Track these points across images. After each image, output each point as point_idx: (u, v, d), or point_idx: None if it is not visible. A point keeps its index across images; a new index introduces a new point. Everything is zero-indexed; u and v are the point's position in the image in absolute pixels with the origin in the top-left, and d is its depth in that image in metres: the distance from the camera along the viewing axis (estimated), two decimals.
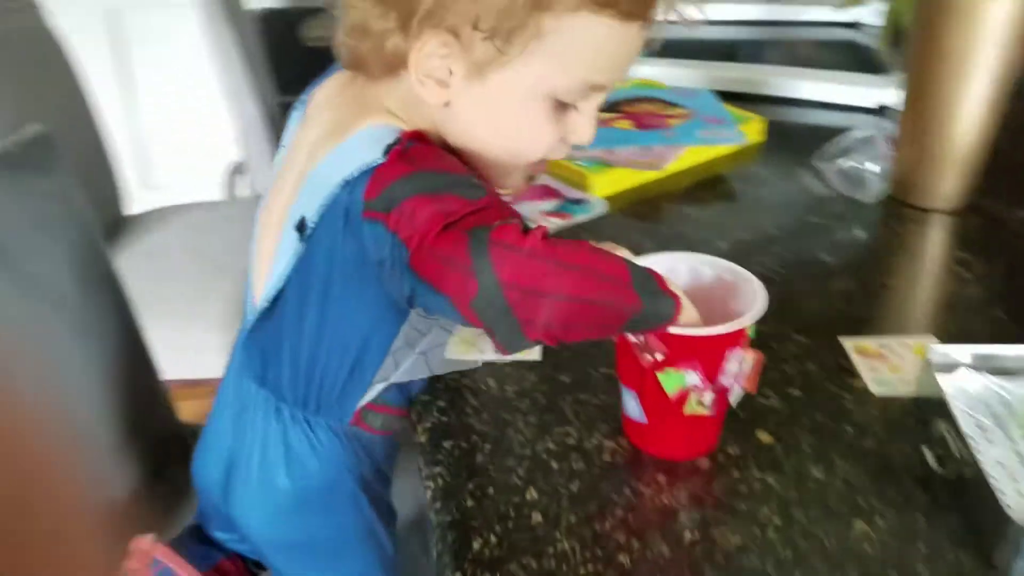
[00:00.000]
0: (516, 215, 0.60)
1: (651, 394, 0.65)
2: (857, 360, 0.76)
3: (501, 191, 0.70)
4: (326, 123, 0.68)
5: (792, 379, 0.75)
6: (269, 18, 2.22)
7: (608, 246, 0.82)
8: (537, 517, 0.61)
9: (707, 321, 0.65)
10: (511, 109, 0.64)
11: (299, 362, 0.70)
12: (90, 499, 0.93)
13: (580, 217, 1.02)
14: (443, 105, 0.64)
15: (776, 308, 0.65)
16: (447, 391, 0.74)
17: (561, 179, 1.09)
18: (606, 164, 1.08)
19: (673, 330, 0.62)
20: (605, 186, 1.07)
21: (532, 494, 0.63)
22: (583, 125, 0.67)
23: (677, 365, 0.63)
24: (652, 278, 0.61)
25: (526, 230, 0.58)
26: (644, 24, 0.63)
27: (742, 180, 1.15)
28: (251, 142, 1.70)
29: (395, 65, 0.63)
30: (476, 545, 0.59)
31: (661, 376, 0.64)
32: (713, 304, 0.69)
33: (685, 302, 0.62)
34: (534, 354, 0.78)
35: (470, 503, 0.62)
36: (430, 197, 0.58)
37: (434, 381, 0.75)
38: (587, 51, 0.62)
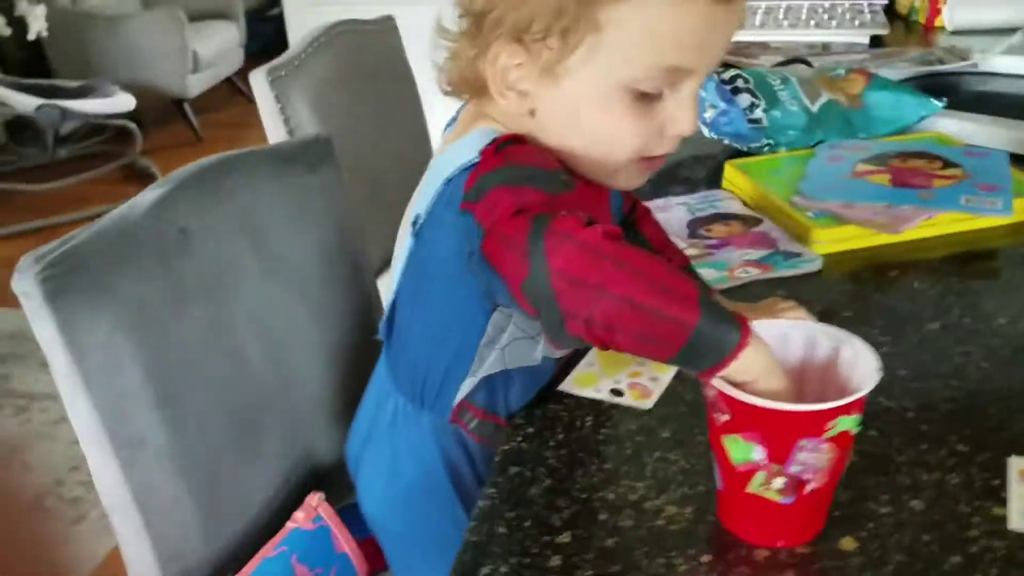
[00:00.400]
0: (593, 215, 0.60)
1: (721, 458, 0.60)
2: (1014, 485, 0.62)
3: (620, 188, 0.71)
4: (449, 135, 0.73)
5: (921, 487, 0.64)
6: None
7: (784, 304, 0.77)
8: (556, 560, 0.60)
9: (816, 398, 0.58)
10: (590, 108, 0.65)
11: (410, 356, 0.76)
12: (300, 469, 1.06)
13: (783, 271, 0.94)
14: (529, 115, 0.67)
15: (962, 408, 0.56)
16: (544, 417, 0.74)
17: (784, 228, 1.02)
18: (837, 219, 0.99)
19: (734, 393, 0.57)
20: (828, 242, 0.97)
21: (564, 538, 0.62)
22: (679, 114, 0.65)
23: (742, 433, 0.58)
24: (723, 309, 0.57)
25: (590, 223, 0.58)
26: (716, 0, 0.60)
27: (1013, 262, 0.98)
28: None
29: (483, 84, 0.67)
30: (484, 571, 0.59)
31: (727, 440, 0.59)
32: (830, 382, 0.62)
33: (765, 361, 0.57)
34: (648, 403, 0.75)
35: (501, 530, 0.63)
36: (511, 188, 0.62)
37: (537, 401, 0.76)
38: (649, 36, 0.61)
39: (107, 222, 0.86)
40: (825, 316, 0.84)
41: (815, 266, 0.95)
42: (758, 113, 1.17)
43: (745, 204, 1.09)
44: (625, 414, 0.74)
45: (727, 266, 0.95)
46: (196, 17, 4.31)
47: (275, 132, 1.45)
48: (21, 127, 3.61)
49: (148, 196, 0.91)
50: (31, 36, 3.45)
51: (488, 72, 0.66)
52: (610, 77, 0.63)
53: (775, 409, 0.55)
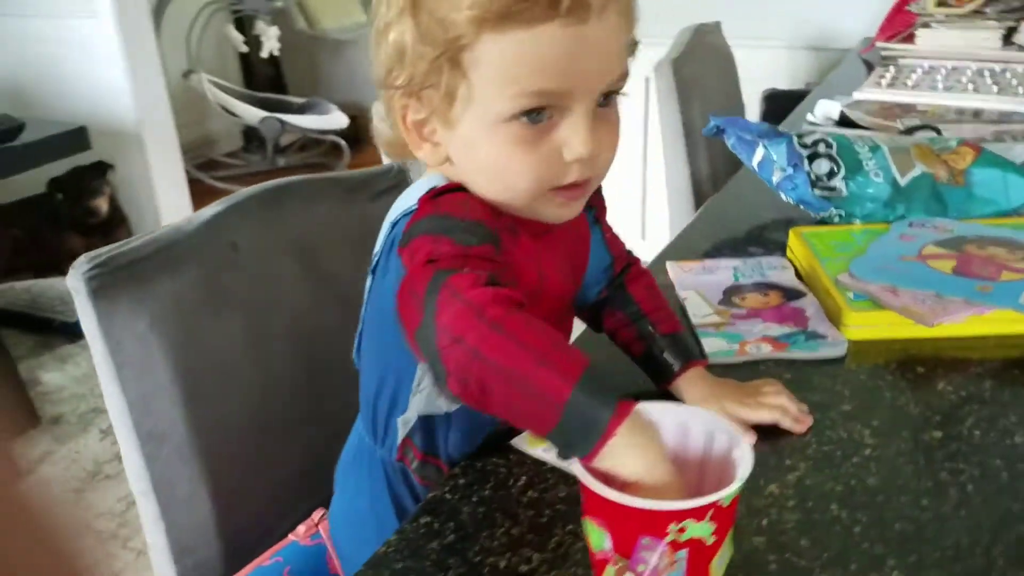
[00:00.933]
0: (498, 270, 0.62)
1: (585, 535, 0.59)
2: None
3: (552, 222, 0.71)
4: None
5: None
6: (775, 98, 2.23)
7: (769, 389, 0.74)
8: None
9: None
10: (483, 147, 0.67)
11: (365, 390, 0.79)
12: (320, 484, 1.11)
13: (798, 352, 0.89)
14: (446, 163, 0.70)
15: (918, 532, 0.60)
16: (480, 470, 0.75)
17: (825, 307, 0.95)
18: (876, 303, 0.91)
19: (579, 474, 0.55)
20: (859, 327, 0.91)
21: None
22: (571, 139, 0.65)
23: (595, 518, 0.56)
24: (601, 391, 0.56)
25: (490, 283, 0.59)
26: (564, 21, 0.61)
27: None
28: (674, 212, 1.77)
29: (404, 141, 0.71)
30: None
31: (586, 523, 0.58)
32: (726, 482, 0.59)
33: (642, 449, 0.56)
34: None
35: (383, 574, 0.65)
36: (431, 237, 0.65)
37: (484, 452, 0.76)
38: (508, 67, 0.62)
39: (163, 231, 0.97)
40: (820, 407, 0.80)
41: (838, 352, 0.89)
42: (836, 181, 1.10)
43: (798, 275, 1.04)
44: (562, 479, 0.73)
45: (740, 339, 0.91)
46: None
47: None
48: (251, 136, 4.03)
49: (208, 211, 1.01)
50: (263, 54, 3.84)
51: (403, 128, 0.70)
52: (489, 114, 0.65)
53: (611, 499, 0.53)
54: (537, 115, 0.65)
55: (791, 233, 1.09)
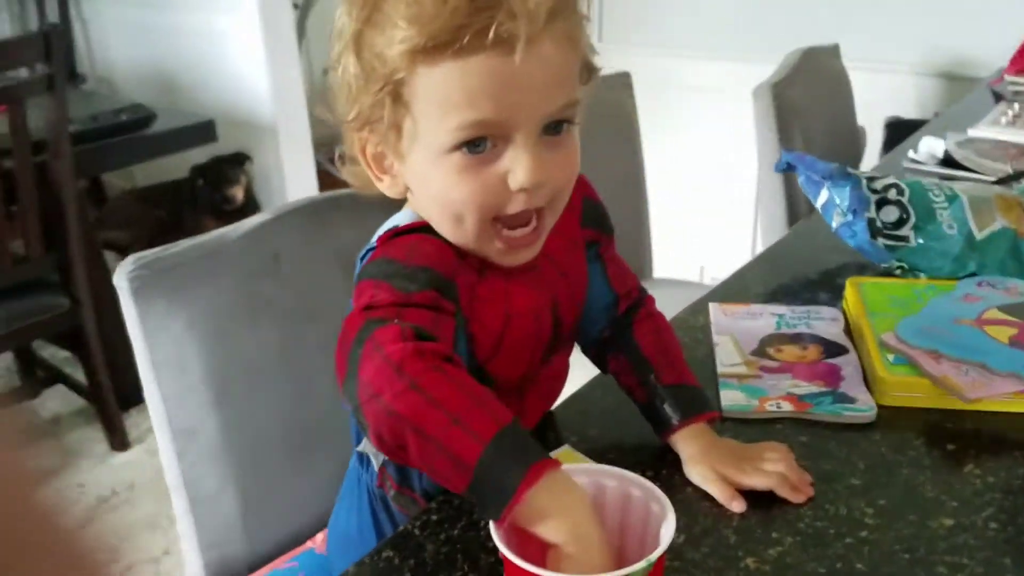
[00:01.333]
0: (439, 318, 0.63)
1: None
2: None
3: (500, 263, 0.70)
4: None
5: None
6: (898, 126, 2.10)
7: (773, 454, 0.72)
8: None
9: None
10: (430, 175, 0.66)
11: (352, 420, 0.80)
12: None
13: (820, 414, 0.83)
14: (406, 193, 0.71)
15: None
16: (455, 507, 0.74)
17: (864, 366, 0.89)
18: (915, 369, 0.84)
19: (494, 534, 0.54)
20: (892, 394, 0.84)
21: None
22: (514, 167, 0.64)
23: None
24: (515, 451, 0.55)
25: (418, 337, 0.59)
26: (496, 52, 0.61)
27: None
28: (765, 239, 1.69)
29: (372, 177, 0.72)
30: None
31: None
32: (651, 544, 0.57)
33: (561, 511, 0.55)
34: None
35: None
36: (374, 282, 0.65)
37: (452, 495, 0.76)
38: (443, 99, 0.62)
39: (207, 238, 1.01)
40: (826, 477, 0.75)
41: (864, 418, 0.82)
42: (904, 231, 1.03)
43: (846, 329, 0.97)
44: None
45: (762, 395, 0.86)
46: None
47: None
48: None
49: (253, 221, 1.05)
50: None
51: (363, 161, 0.71)
52: (432, 146, 0.65)
53: (516, 564, 0.52)
54: (476, 146, 0.64)
55: (848, 283, 1.02)
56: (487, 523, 0.72)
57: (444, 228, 0.69)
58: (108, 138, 2.16)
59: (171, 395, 0.98)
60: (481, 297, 0.70)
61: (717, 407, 0.85)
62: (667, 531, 0.57)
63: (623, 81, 1.78)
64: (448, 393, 0.57)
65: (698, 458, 0.75)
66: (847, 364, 0.90)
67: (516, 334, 0.73)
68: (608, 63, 2.42)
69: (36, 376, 2.43)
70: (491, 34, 0.60)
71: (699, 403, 0.79)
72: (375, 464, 0.77)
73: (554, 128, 0.66)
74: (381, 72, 0.63)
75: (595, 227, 0.82)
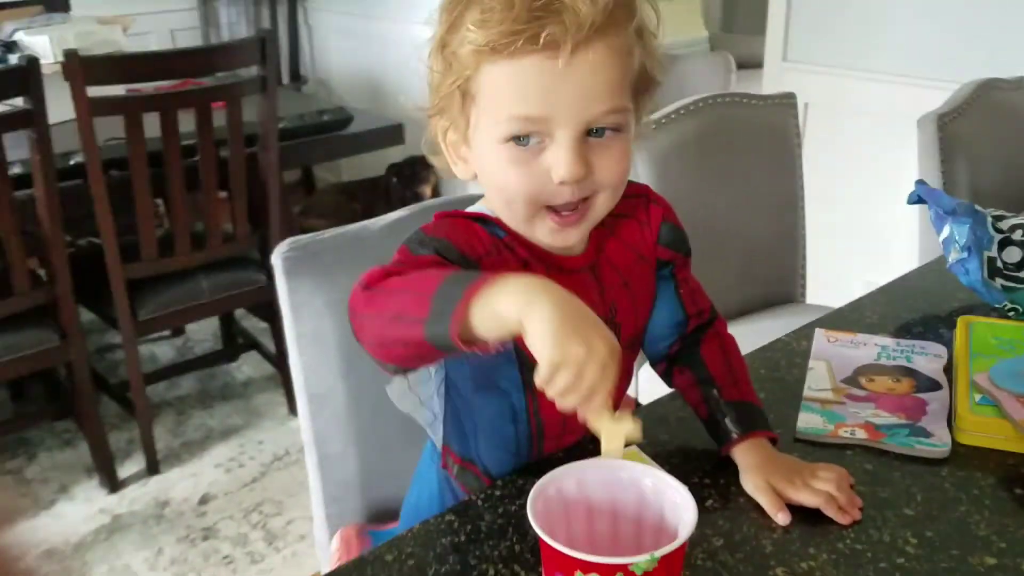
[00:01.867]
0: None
1: None
2: None
3: (544, 244, 0.77)
4: None
5: None
6: None
7: (826, 475, 0.78)
8: None
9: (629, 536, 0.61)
10: (487, 162, 0.75)
11: None
12: None
13: (893, 445, 0.84)
14: (474, 179, 0.79)
15: None
16: (517, 487, 0.81)
17: (952, 404, 0.88)
18: (999, 411, 0.82)
19: (532, 519, 0.61)
20: (970, 432, 0.83)
21: None
22: (554, 162, 0.71)
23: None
24: (459, 299, 0.62)
25: (387, 274, 0.69)
26: (545, 55, 0.68)
27: None
28: None
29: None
30: None
31: None
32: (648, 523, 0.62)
33: (515, 293, 0.61)
34: None
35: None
36: (403, 246, 0.76)
37: (528, 471, 0.83)
38: (499, 94, 0.71)
39: (351, 228, 1.14)
40: (881, 504, 0.77)
41: (936, 453, 0.82)
42: None
43: (947, 366, 0.95)
44: None
45: (839, 420, 0.87)
46: (747, 65, 4.55)
47: None
48: None
49: (391, 216, 1.17)
50: None
51: (444, 148, 0.80)
52: (490, 136, 0.73)
53: (540, 538, 0.58)
54: (525, 139, 0.72)
55: (959, 320, 1.00)
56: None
57: (500, 210, 0.78)
58: (311, 136, 2.40)
59: (309, 363, 1.12)
60: None
61: (789, 427, 0.87)
62: (684, 528, 0.61)
63: (787, 101, 1.78)
64: (401, 283, 0.67)
65: (754, 469, 0.79)
66: (935, 400, 0.89)
67: None
68: (785, 83, 2.43)
69: (236, 342, 2.73)
70: (541, 39, 0.67)
71: (760, 421, 0.83)
72: (438, 444, 0.86)
73: (598, 132, 0.73)
74: (456, 70, 0.73)
75: (672, 248, 0.87)
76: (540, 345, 0.59)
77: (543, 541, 0.59)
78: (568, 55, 0.68)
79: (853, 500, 0.76)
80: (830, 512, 0.75)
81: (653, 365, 0.93)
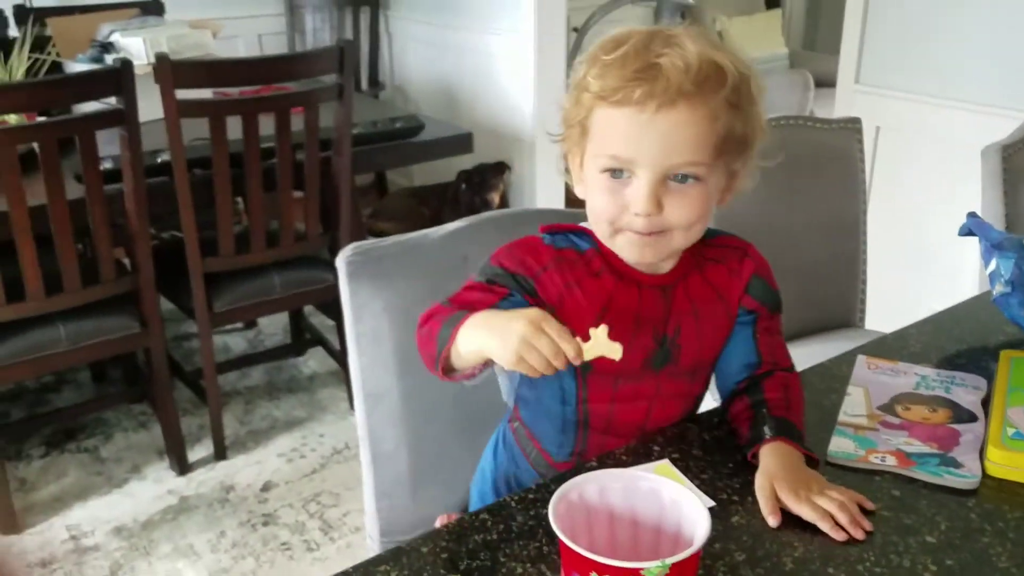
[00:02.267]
0: (474, 295, 0.91)
1: None
2: None
3: (625, 257, 0.91)
4: None
5: None
6: None
7: (834, 494, 0.82)
8: None
9: (642, 544, 0.65)
10: (589, 185, 0.90)
11: None
12: None
13: (921, 473, 0.85)
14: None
15: None
16: (548, 492, 0.85)
17: (985, 437, 0.88)
18: None
19: (553, 523, 0.65)
20: (999, 465, 0.84)
21: None
22: (633, 198, 0.85)
23: None
24: (451, 330, 0.84)
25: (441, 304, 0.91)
26: (637, 109, 0.82)
27: None
28: None
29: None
30: None
31: None
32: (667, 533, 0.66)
33: (482, 327, 0.82)
34: None
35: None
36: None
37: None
38: (606, 133, 0.86)
39: (412, 236, 1.20)
40: (904, 531, 0.79)
41: (964, 484, 0.83)
42: None
43: (985, 399, 0.96)
44: None
45: (871, 446, 0.89)
46: (826, 83, 4.49)
47: None
48: None
49: (451, 226, 1.22)
50: None
51: (573, 169, 0.94)
52: (595, 164, 0.88)
53: (559, 539, 0.63)
54: (616, 173, 0.86)
55: (1002, 354, 1.00)
56: None
57: (593, 225, 0.92)
58: (383, 142, 2.47)
59: (367, 363, 1.18)
60: (575, 293, 0.91)
61: (821, 451, 0.89)
62: (699, 537, 0.65)
63: (852, 126, 1.78)
64: (426, 315, 0.91)
65: (767, 471, 0.84)
66: (969, 432, 0.90)
67: (610, 323, 0.82)
68: (857, 105, 2.42)
69: (303, 338, 2.83)
70: (635, 95, 0.82)
71: (795, 434, 0.88)
72: (509, 403, 1.00)
73: (679, 178, 0.85)
74: (579, 108, 0.88)
75: (759, 300, 0.97)
76: (498, 359, 0.79)
77: (562, 541, 0.63)
78: (652, 112, 0.82)
79: (856, 521, 0.79)
80: (825, 527, 0.79)
81: (722, 397, 0.99)
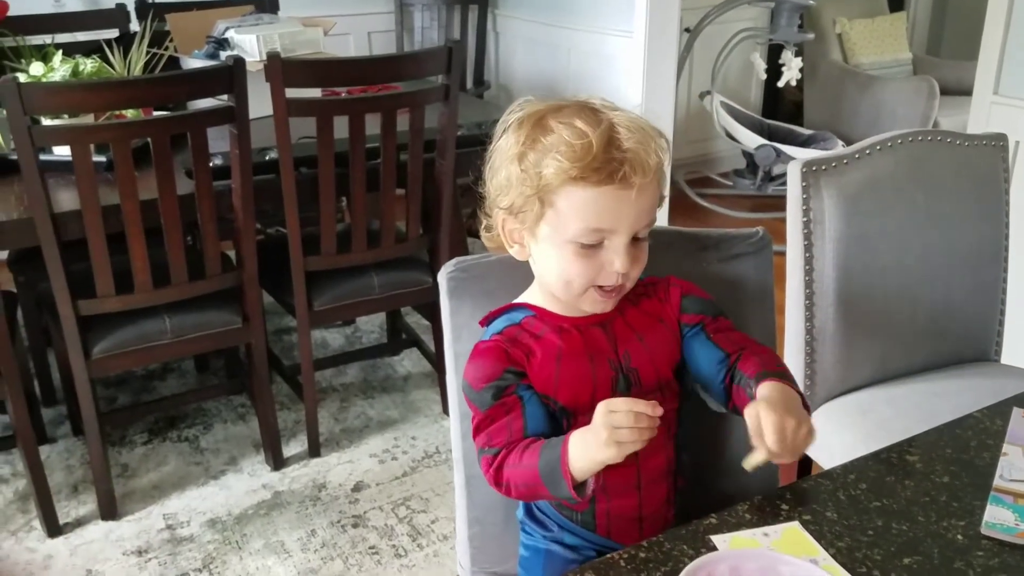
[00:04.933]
0: (502, 430, 0.98)
1: None
2: None
3: (590, 312, 1.02)
4: None
5: None
6: None
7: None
8: None
9: None
10: (553, 254, 0.98)
11: None
12: None
13: None
14: (529, 259, 1.02)
15: None
16: (662, 552, 0.78)
17: None
18: None
19: None
20: None
21: None
22: (614, 259, 0.95)
23: None
24: (559, 475, 0.90)
25: (496, 454, 0.97)
26: (617, 187, 0.92)
27: None
28: None
29: (501, 242, 1.04)
30: None
31: None
32: None
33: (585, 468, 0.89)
34: None
35: None
36: (470, 403, 1.02)
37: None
38: (578, 210, 0.93)
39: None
40: None
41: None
42: None
43: None
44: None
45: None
46: (952, 91, 4.24)
47: (794, 221, 1.54)
48: (752, 160, 4.12)
49: None
50: (780, 83, 3.89)
51: (501, 232, 1.02)
52: (561, 235, 0.96)
53: None
54: (589, 242, 0.95)
55: None
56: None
57: (556, 287, 1.00)
58: (487, 144, 2.42)
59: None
60: (535, 351, 1.01)
61: (975, 519, 0.79)
62: None
63: (997, 143, 1.63)
64: (517, 474, 0.95)
65: (764, 398, 0.89)
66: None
67: (569, 371, 1.00)
68: (994, 118, 2.24)
69: (400, 338, 2.81)
70: (618, 177, 0.92)
71: (781, 376, 0.95)
72: None
73: (638, 237, 0.97)
74: (536, 183, 0.94)
75: (697, 312, 1.07)
76: (609, 460, 0.86)
77: None
78: (635, 189, 0.92)
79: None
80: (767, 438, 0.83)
81: (723, 406, 1.03)
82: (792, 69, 3.87)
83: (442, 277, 1.11)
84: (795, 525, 0.80)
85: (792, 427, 0.82)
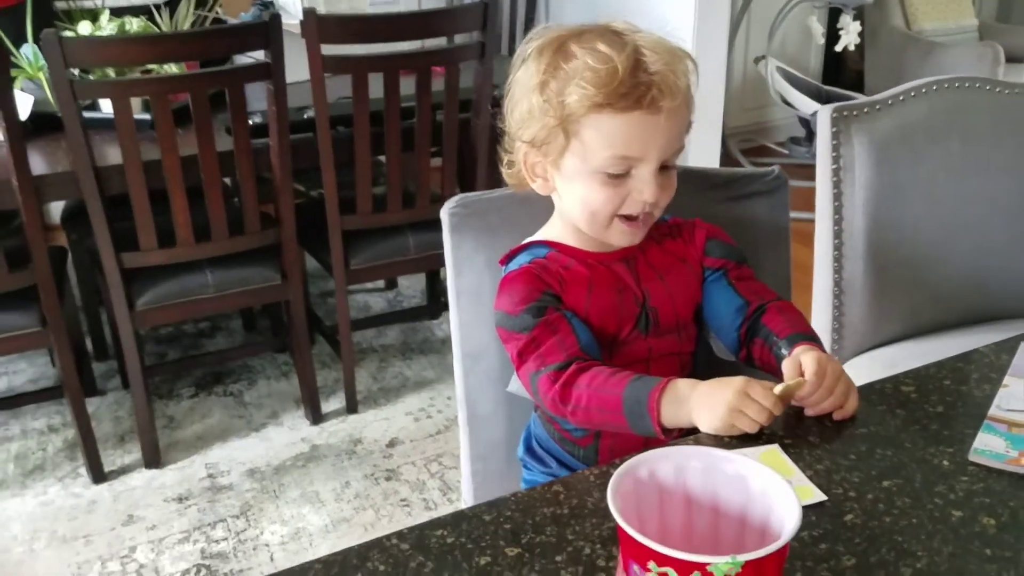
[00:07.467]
0: (554, 344, 0.93)
1: None
2: None
3: (616, 245, 1.00)
4: None
5: None
6: None
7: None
8: None
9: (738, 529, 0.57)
10: (578, 184, 0.95)
11: None
12: None
13: None
14: (553, 193, 1.00)
15: None
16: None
17: None
18: None
19: (614, 511, 0.57)
20: None
21: None
22: (641, 187, 0.92)
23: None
24: (645, 409, 0.86)
25: (557, 376, 0.91)
26: (645, 112, 0.88)
27: None
28: None
29: (523, 177, 1.01)
30: None
31: None
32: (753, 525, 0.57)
33: (680, 413, 0.85)
34: None
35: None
36: (506, 333, 0.98)
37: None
38: (605, 138, 0.90)
39: (511, 191, 1.12)
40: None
41: None
42: None
43: None
44: None
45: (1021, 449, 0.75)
46: (1020, 59, 4.06)
47: (824, 169, 1.50)
48: (809, 127, 4.02)
49: None
50: (838, 48, 3.77)
51: (523, 166, 0.99)
52: (587, 165, 0.93)
53: (619, 525, 0.55)
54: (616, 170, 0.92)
55: None
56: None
57: (581, 220, 0.97)
58: None
59: (466, 320, 1.14)
60: (567, 279, 0.99)
61: (963, 447, 0.76)
62: (784, 534, 0.55)
63: None
64: (592, 396, 0.89)
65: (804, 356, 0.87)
66: None
67: (599, 301, 0.98)
68: None
69: (439, 301, 2.83)
70: (646, 102, 0.88)
71: (814, 340, 0.93)
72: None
73: (666, 164, 0.94)
74: (560, 112, 0.90)
75: (721, 257, 1.05)
76: (706, 428, 0.83)
77: (619, 525, 0.55)
78: (664, 114, 0.89)
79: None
80: (803, 392, 0.84)
81: (735, 353, 1.02)
82: (851, 34, 3.75)
83: (444, 213, 1.12)
84: (774, 447, 0.79)
85: (841, 388, 0.84)
